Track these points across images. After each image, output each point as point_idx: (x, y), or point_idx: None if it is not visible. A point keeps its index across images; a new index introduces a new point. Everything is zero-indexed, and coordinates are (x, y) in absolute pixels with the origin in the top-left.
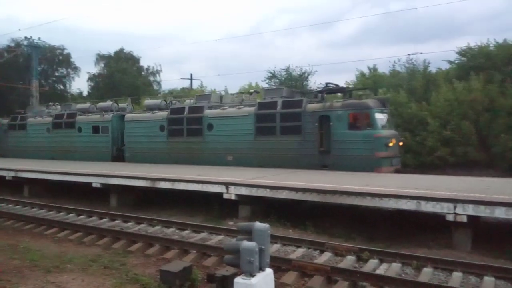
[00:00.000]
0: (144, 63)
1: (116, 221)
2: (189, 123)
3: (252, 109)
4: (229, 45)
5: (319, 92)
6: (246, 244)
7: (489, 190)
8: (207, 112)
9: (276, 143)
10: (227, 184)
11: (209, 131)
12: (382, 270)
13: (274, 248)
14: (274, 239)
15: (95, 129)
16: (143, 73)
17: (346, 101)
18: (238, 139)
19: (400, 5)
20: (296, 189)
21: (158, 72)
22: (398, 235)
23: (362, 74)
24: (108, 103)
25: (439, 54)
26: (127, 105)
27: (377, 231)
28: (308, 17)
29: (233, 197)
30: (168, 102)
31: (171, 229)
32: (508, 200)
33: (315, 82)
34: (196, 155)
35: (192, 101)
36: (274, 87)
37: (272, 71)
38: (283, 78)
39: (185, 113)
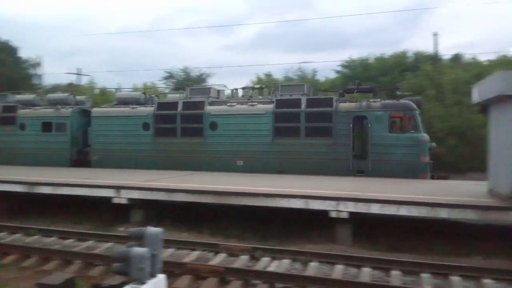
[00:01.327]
0: (26, 54)
1: None
2: (184, 120)
3: (269, 106)
4: (126, 41)
5: (344, 90)
6: (137, 250)
7: (367, 189)
8: (210, 108)
9: (300, 146)
10: (117, 188)
11: (212, 130)
12: (273, 267)
13: (168, 253)
14: (168, 243)
15: (47, 127)
16: (21, 65)
17: (386, 101)
18: (251, 141)
19: (295, 16)
20: (192, 192)
21: (38, 64)
22: (289, 233)
23: (259, 79)
24: (63, 94)
25: (329, 63)
26: (85, 97)
27: (270, 230)
28: (209, 18)
29: (124, 201)
30: (147, 96)
31: (51, 238)
32: (382, 198)
33: (214, 84)
34: (194, 158)
35: (181, 95)
36: (293, 83)
37: (170, 71)
38: (181, 79)
39: (179, 109)
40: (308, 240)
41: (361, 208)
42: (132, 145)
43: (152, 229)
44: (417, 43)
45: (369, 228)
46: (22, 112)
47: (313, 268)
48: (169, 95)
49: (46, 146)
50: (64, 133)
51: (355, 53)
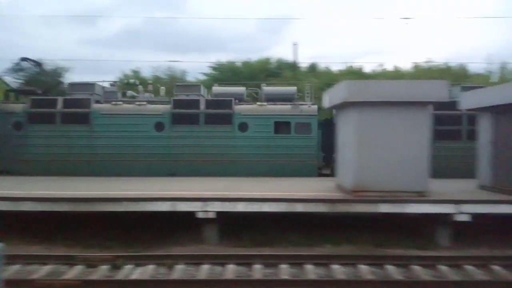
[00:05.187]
0: None
1: None
2: None
3: None
4: None
5: None
6: None
7: (234, 189)
8: None
9: None
10: None
11: None
12: (137, 274)
13: (13, 270)
14: (13, 259)
15: (283, 127)
16: None
17: None
18: None
19: (164, 14)
20: (43, 199)
21: None
22: (157, 237)
23: (126, 76)
24: (289, 88)
25: (197, 65)
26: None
27: (136, 236)
28: (68, 8)
29: None
30: None
31: None
32: (247, 196)
33: (72, 80)
34: None
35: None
36: None
37: (18, 63)
38: (33, 72)
39: None
40: (175, 243)
41: (228, 207)
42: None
43: None
44: (281, 51)
45: (235, 226)
46: (240, 108)
47: (179, 271)
48: None
49: (281, 152)
50: (308, 136)
51: (224, 57)
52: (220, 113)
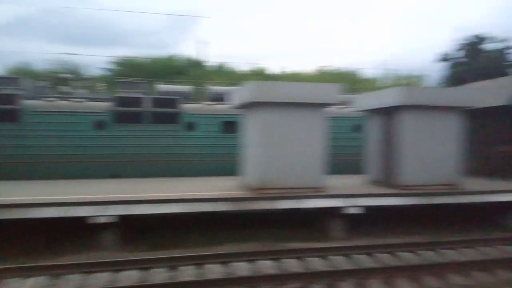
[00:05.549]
0: None
1: None
2: None
3: None
4: None
5: None
6: None
7: (136, 190)
8: None
9: None
10: None
11: None
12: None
13: None
14: None
15: (228, 127)
16: None
17: None
18: None
19: (62, 4)
20: None
21: None
22: (48, 245)
23: (17, 69)
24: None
25: (98, 58)
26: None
27: (25, 246)
28: None
29: None
30: None
31: None
32: (149, 198)
33: None
34: None
35: None
36: None
37: None
38: None
39: None
40: (70, 251)
41: (128, 210)
42: None
43: None
44: (188, 49)
45: (137, 229)
46: (189, 107)
47: (72, 281)
48: None
49: (228, 151)
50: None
51: (126, 51)
52: (166, 112)
